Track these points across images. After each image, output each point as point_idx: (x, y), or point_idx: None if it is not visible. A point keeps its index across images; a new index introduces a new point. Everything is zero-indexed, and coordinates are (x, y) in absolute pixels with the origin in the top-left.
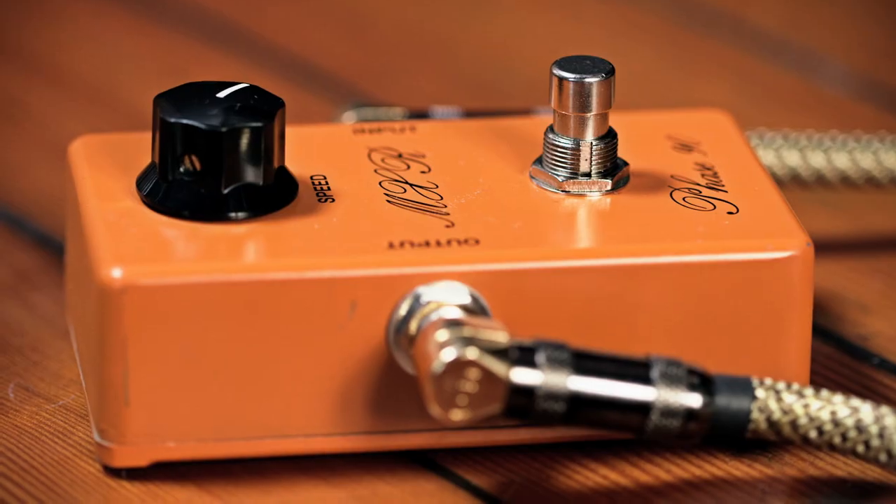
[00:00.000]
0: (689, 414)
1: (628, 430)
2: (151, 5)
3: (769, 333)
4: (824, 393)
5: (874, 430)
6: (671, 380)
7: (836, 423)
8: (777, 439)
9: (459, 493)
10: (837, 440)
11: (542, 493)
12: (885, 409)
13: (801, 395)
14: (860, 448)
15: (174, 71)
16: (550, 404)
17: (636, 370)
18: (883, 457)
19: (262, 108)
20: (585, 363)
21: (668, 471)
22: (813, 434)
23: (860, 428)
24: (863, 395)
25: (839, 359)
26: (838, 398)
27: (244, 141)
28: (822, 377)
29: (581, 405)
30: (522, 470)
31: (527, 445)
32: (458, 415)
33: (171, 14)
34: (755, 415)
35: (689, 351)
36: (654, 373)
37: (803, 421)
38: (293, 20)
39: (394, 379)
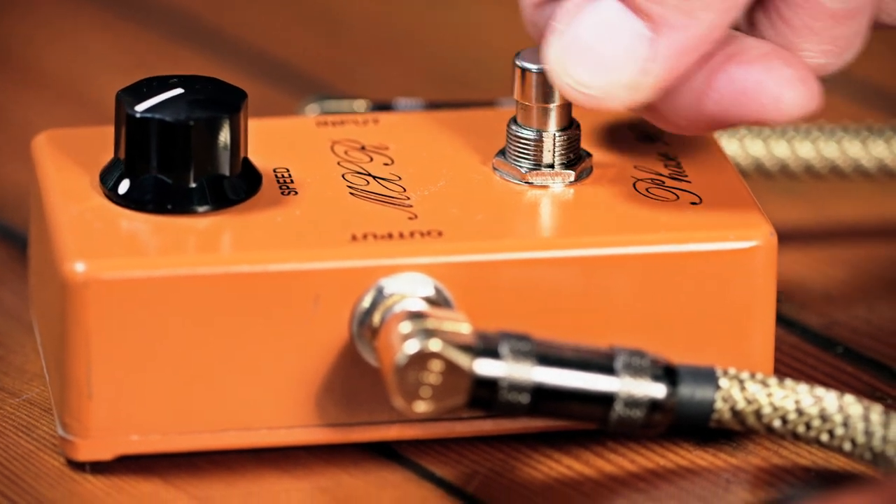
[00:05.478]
0: (653, 404)
1: (592, 421)
2: (118, 1)
3: (733, 323)
4: (788, 382)
5: (838, 419)
6: (635, 370)
7: (801, 412)
8: (741, 429)
9: (423, 484)
10: (802, 429)
11: (506, 483)
12: (849, 398)
13: (764, 384)
14: (824, 437)
15: (140, 66)
16: (514, 396)
17: (600, 361)
18: (847, 445)
19: (226, 99)
20: (549, 354)
21: (633, 460)
22: (777, 423)
23: (824, 417)
24: (827, 385)
25: (803, 348)
26: (802, 387)
27: (210, 133)
28: (787, 366)
29: (545, 396)
30: (486, 461)
31: (491, 436)
32: (421, 406)
33: (137, 9)
34: (719, 404)
35: (654, 341)
36: (618, 363)
37: (767, 410)
38: (256, 14)
39: (357, 371)
